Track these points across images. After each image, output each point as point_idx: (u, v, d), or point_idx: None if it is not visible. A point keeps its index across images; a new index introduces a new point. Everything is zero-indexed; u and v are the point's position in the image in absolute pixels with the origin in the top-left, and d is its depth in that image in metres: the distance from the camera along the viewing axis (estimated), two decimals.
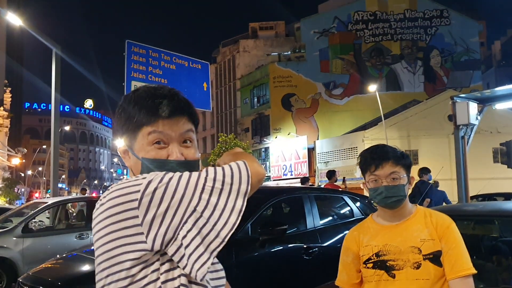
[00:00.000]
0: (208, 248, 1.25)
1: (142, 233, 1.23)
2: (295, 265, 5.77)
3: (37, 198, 40.25)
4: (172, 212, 1.23)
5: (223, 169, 1.31)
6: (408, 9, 51.04)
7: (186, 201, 1.24)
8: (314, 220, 6.25)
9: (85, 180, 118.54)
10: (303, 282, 5.71)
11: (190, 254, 1.24)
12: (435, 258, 2.30)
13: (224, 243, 1.27)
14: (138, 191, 1.24)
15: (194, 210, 1.24)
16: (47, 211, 11.34)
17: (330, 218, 7.01)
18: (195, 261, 1.24)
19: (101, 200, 1.31)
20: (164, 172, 1.29)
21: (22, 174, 74.59)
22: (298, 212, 6.37)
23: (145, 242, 1.23)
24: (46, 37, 13.54)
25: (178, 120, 1.40)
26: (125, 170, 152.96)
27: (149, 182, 1.25)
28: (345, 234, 6.36)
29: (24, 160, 58.84)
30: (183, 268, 1.26)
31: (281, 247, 5.74)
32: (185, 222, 1.23)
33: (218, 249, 1.27)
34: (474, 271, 2.26)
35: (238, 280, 5.01)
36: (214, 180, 1.27)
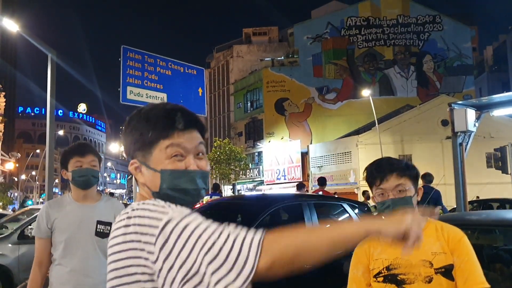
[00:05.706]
0: None
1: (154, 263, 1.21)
2: (294, 275, 5.71)
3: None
4: (178, 265, 1.17)
5: (233, 243, 1.17)
6: (401, 15, 51.30)
7: (191, 262, 1.16)
8: None
9: None
10: None
11: None
12: (447, 272, 2.27)
13: None
14: (157, 227, 1.21)
15: (197, 272, 1.15)
16: None
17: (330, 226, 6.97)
18: None
19: (128, 212, 1.29)
20: (184, 214, 1.24)
21: (16, 179, 74.08)
22: (298, 220, 6.33)
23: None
24: (41, 42, 13.47)
25: (191, 132, 1.42)
26: (118, 175, 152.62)
27: (167, 223, 1.21)
28: None
29: (17, 165, 58.54)
30: None
31: None
32: (187, 281, 1.16)
33: None
34: (488, 286, 2.24)
35: None
36: (220, 250, 1.15)
